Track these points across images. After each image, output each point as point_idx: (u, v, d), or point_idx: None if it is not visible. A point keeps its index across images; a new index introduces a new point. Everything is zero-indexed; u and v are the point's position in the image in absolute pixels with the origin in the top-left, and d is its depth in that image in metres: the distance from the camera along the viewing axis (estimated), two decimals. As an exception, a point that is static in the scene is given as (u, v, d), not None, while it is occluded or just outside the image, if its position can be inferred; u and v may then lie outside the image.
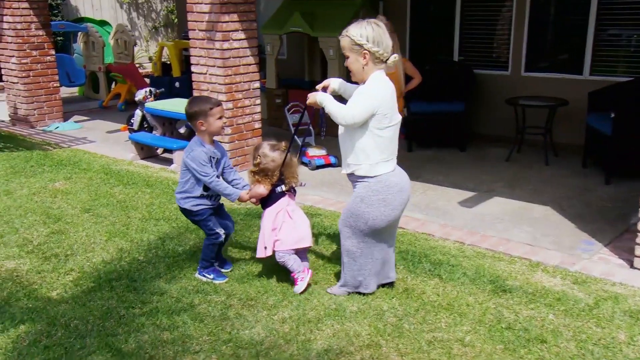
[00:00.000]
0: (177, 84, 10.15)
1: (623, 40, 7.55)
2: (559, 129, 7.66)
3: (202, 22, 6.97)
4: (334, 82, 4.22)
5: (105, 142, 8.89)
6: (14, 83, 9.73)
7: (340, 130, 3.97)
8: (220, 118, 4.22)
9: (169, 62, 11.43)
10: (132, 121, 8.96)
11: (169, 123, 8.19)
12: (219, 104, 4.26)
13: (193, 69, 7.27)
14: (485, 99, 8.45)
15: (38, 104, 9.83)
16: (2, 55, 9.73)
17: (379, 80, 3.80)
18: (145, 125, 8.81)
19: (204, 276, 4.42)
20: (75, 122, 10.20)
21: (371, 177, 3.85)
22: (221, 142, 7.11)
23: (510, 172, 7.04)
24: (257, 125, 7.45)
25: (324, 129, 4.30)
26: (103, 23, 13.63)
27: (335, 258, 4.63)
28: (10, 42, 9.45)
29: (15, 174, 7.00)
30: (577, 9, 7.69)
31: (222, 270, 4.54)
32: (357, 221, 3.94)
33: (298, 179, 4.41)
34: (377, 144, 3.80)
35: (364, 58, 3.75)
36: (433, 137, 8.18)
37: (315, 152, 7.41)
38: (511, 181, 6.70)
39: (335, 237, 5.06)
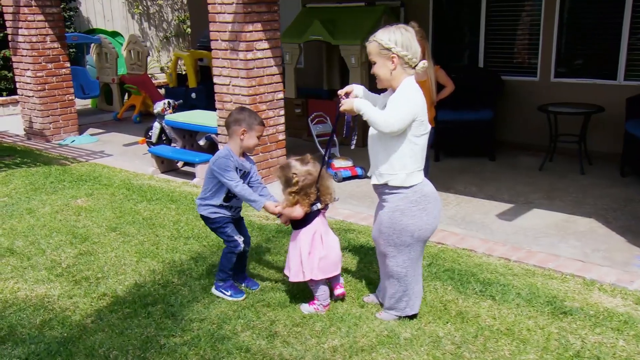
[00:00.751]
0: (193, 95, 9.96)
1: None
2: (593, 137, 7.42)
3: (225, 32, 6.76)
4: (357, 89, 4.02)
5: (123, 155, 8.69)
6: (29, 97, 9.54)
7: (371, 139, 3.78)
8: (258, 137, 4.16)
9: (184, 73, 11.24)
10: (150, 134, 8.77)
11: (189, 135, 8.01)
12: (263, 124, 4.21)
13: (215, 80, 7.06)
14: (513, 106, 8.22)
15: (53, 117, 9.63)
16: (17, 68, 9.55)
17: (413, 86, 3.64)
18: (164, 138, 8.61)
19: (222, 292, 4.26)
20: (91, 135, 10.00)
21: (406, 187, 3.67)
22: (246, 155, 6.95)
23: (546, 182, 6.81)
24: (281, 136, 7.24)
25: (354, 139, 4.08)
26: (115, 34, 13.50)
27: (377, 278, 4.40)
28: (26, 55, 9.27)
29: (35, 191, 6.80)
30: (609, 11, 7.45)
31: (251, 289, 4.36)
32: (401, 236, 3.73)
33: (332, 194, 4.19)
34: (413, 152, 3.64)
35: (392, 62, 3.60)
36: (461, 146, 7.96)
37: (341, 164, 7.18)
38: (548, 192, 6.46)
39: (372, 254, 4.85)
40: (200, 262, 4.83)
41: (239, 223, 4.38)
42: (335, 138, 7.66)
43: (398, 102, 3.58)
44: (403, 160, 3.64)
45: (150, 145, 8.77)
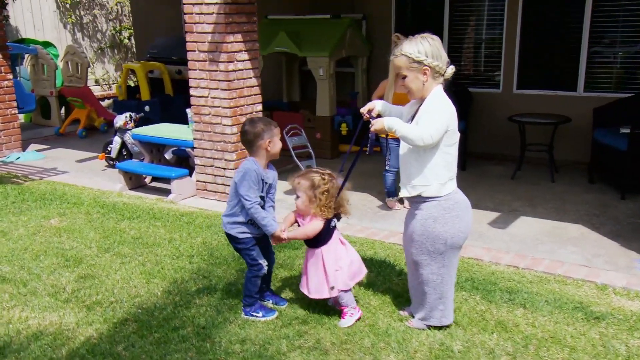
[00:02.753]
0: (147, 108, 9.59)
1: (615, 57, 7.72)
2: (558, 146, 7.72)
3: (204, 42, 6.58)
4: (378, 105, 4.01)
5: (80, 172, 8.26)
6: (-31, 110, 8.93)
7: (403, 151, 3.78)
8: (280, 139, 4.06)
9: (133, 85, 10.85)
10: (108, 148, 8.40)
11: (156, 150, 7.70)
12: (277, 124, 4.05)
13: (192, 92, 6.84)
14: (477, 117, 8.44)
15: (-5, 132, 9.06)
16: (-44, 80, 8.92)
17: (444, 96, 3.66)
18: (124, 153, 8.28)
19: (252, 315, 4.09)
20: (36, 151, 9.45)
21: (440, 196, 3.68)
22: (225, 168, 6.77)
23: (522, 190, 7.01)
24: (260, 150, 7.09)
25: (371, 148, 4.10)
26: (46, 44, 12.82)
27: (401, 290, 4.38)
28: (-33, 66, 8.67)
29: (-1, 212, 6.34)
30: (569, 25, 7.81)
31: (277, 306, 4.24)
32: (434, 244, 3.74)
33: (348, 207, 4.13)
34: (446, 162, 3.66)
35: (425, 74, 3.61)
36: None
37: (321, 177, 7.11)
38: (528, 199, 6.66)
39: (388, 265, 4.84)
40: (215, 281, 4.64)
41: (263, 239, 4.20)
42: (311, 150, 7.61)
43: (431, 115, 3.57)
44: (436, 170, 3.65)
45: (110, 161, 8.41)
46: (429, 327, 3.92)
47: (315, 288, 4.01)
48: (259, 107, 6.99)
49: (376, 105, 4.00)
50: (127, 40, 14.44)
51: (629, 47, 7.60)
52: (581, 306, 4.20)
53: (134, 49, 14.65)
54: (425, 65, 3.58)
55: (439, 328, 3.90)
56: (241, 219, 4.00)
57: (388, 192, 6.54)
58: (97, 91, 13.61)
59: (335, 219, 4.00)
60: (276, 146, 4.01)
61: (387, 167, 6.40)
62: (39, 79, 11.42)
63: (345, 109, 8.51)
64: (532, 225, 5.92)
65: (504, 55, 8.25)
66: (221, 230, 5.64)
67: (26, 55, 11.94)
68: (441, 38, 8.41)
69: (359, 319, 4.00)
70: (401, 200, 6.58)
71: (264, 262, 4.10)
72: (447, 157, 3.66)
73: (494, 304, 4.26)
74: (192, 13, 6.61)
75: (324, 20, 8.68)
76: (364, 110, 3.98)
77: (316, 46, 8.31)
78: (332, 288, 3.95)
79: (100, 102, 12.05)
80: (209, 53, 6.58)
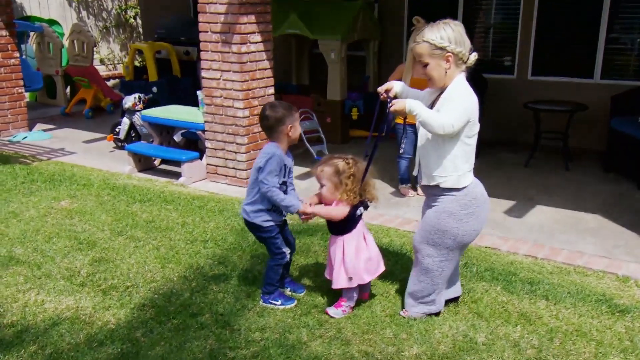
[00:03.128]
0: (154, 89, 9.48)
1: (634, 44, 7.59)
2: (572, 134, 7.63)
3: (217, 23, 6.45)
4: (397, 85, 3.91)
5: (88, 153, 8.17)
6: (-25, 89, 8.82)
7: (422, 139, 3.67)
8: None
9: (140, 66, 10.72)
10: (117, 130, 8.30)
11: (166, 132, 7.61)
12: (297, 109, 3.99)
13: (204, 73, 6.73)
14: (490, 104, 8.33)
15: (2, 111, 8.97)
16: (-38, 58, 8.80)
17: (466, 85, 3.55)
18: (133, 135, 8.18)
19: (271, 303, 4.02)
20: (43, 131, 9.35)
21: (458, 189, 3.58)
22: (236, 152, 6.68)
23: (536, 178, 6.93)
24: (272, 133, 6.99)
25: (404, 141, 4.02)
26: (51, 22, 12.67)
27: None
28: (-27, 44, 8.55)
29: (8, 193, 6.25)
30: (587, 11, 7.67)
31: (295, 294, 4.17)
32: (443, 238, 3.66)
33: (375, 193, 4.04)
34: (466, 153, 3.56)
35: (447, 61, 3.49)
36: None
37: (333, 162, 7.01)
38: (544, 188, 6.58)
39: (394, 254, 4.77)
40: (231, 267, 4.56)
41: (284, 226, 4.15)
42: (322, 135, 7.52)
43: (454, 103, 3.46)
44: (455, 162, 3.54)
45: (118, 142, 8.32)
46: (427, 315, 3.86)
47: (337, 277, 3.93)
48: (271, 90, 6.89)
49: (394, 85, 3.90)
50: (133, 20, 14.29)
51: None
52: (604, 299, 4.13)
53: (140, 29, 14.52)
54: (448, 52, 3.46)
55: (436, 315, 3.87)
56: (264, 206, 3.91)
57: (401, 179, 6.46)
58: (102, 71, 13.46)
59: (361, 207, 3.90)
60: (297, 131, 3.94)
61: (400, 153, 6.30)
62: (44, 57, 11.28)
63: (357, 94, 8.40)
64: (548, 214, 5.85)
65: (519, 41, 8.13)
66: (234, 215, 5.63)
67: (32, 33, 11.79)
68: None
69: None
70: (414, 187, 6.50)
71: (287, 250, 4.04)
72: (467, 149, 3.56)
73: (516, 295, 4.19)
74: (205, -7, 6.49)
75: (336, 3, 8.54)
76: (381, 89, 3.87)
77: (328, 29, 8.18)
78: (351, 279, 3.87)
79: (106, 82, 11.93)
80: (222, 34, 6.46)
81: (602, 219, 5.71)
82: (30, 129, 9.41)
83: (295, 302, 4.05)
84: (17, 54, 9.06)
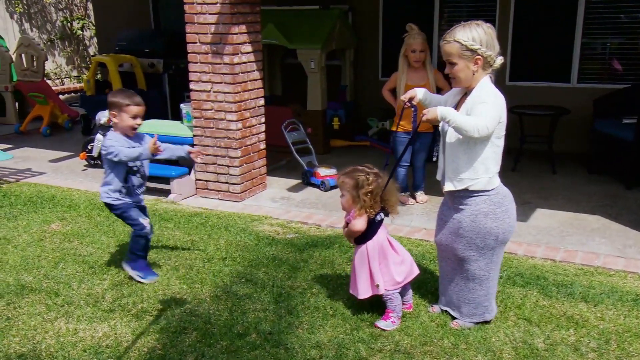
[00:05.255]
0: (119, 103, 9.09)
1: (607, 48, 7.85)
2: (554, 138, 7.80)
3: (207, 34, 6.26)
4: (420, 93, 3.92)
5: (58, 172, 7.76)
6: None
7: (450, 143, 3.65)
8: (134, 118, 4.22)
9: (101, 80, 10.30)
10: (88, 147, 7.93)
11: (146, 147, 7.29)
12: (139, 104, 4.25)
13: (192, 86, 6.50)
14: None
15: (-42, 131, 8.39)
16: None
17: (493, 87, 3.56)
18: (107, 151, 7.81)
19: (134, 272, 4.44)
20: (2, 151, 8.83)
21: (488, 189, 3.59)
22: (229, 165, 6.47)
23: (526, 182, 7.03)
24: (262, 145, 6.84)
25: (437, 149, 3.95)
26: (-6, 36, 12.05)
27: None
28: None
29: (-10, 217, 5.86)
30: (562, 16, 7.88)
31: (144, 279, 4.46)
32: (485, 240, 3.65)
33: (396, 207, 4.00)
34: (495, 154, 3.57)
35: (476, 64, 3.48)
36: (432, 150, 8.01)
37: (326, 172, 6.91)
38: (536, 192, 6.68)
39: (418, 264, 4.71)
40: (260, 284, 4.40)
41: (142, 211, 4.51)
42: (310, 145, 7.40)
43: (486, 106, 3.44)
44: (486, 164, 3.55)
45: (91, 160, 7.94)
46: (476, 324, 3.84)
47: (363, 287, 3.86)
48: (262, 101, 6.74)
49: (417, 93, 3.89)
50: (80, 32, 13.75)
51: (622, 38, 7.73)
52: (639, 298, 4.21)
53: (86, 41, 14.00)
54: (478, 55, 3.45)
55: (487, 322, 3.84)
56: (115, 186, 4.29)
57: (400, 188, 6.42)
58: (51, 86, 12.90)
59: (381, 213, 3.85)
60: (124, 122, 4.21)
61: (398, 161, 6.26)
62: (-9, 73, 10.69)
63: (337, 103, 8.33)
64: (550, 217, 5.93)
65: (495, 47, 8.25)
66: (241, 231, 5.47)
67: (-24, 48, 11.15)
68: (431, 30, 8.44)
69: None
70: (413, 195, 6.49)
71: (145, 221, 4.40)
72: (497, 150, 3.56)
73: (555, 299, 4.20)
74: (193, 3, 6.27)
75: (313, 12, 8.47)
76: (404, 98, 3.87)
77: (307, 38, 8.09)
78: (378, 286, 3.81)
79: (60, 96, 11.42)
80: (212, 45, 6.26)
81: (604, 219, 5.84)
82: (-15, 149, 8.88)
83: (157, 277, 4.46)
84: (-28, 70, 8.53)
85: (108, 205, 4.37)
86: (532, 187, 6.83)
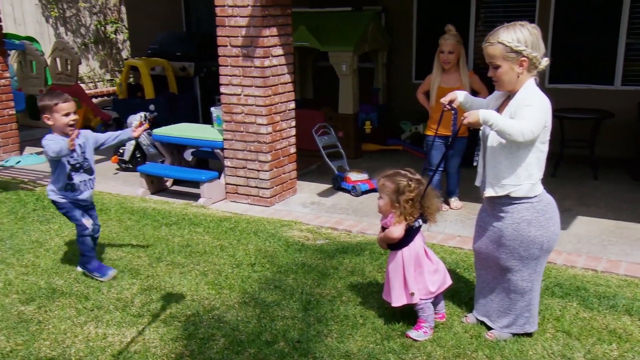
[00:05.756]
0: (151, 107, 9.12)
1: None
2: (597, 142, 7.52)
3: (238, 37, 6.18)
4: (460, 95, 3.78)
5: (90, 175, 7.75)
6: (-36, 111, 8.33)
7: (492, 148, 3.48)
8: (67, 115, 4.31)
9: (134, 83, 10.33)
10: (120, 151, 7.92)
11: (177, 151, 7.28)
12: (67, 100, 4.34)
13: (223, 89, 6.43)
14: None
15: (-8, 135, 8.48)
16: (-50, 79, 8.31)
17: (538, 90, 3.40)
18: (138, 156, 7.82)
19: (92, 273, 4.51)
20: (36, 154, 8.89)
21: (531, 197, 3.41)
22: (259, 170, 6.37)
23: (567, 188, 6.78)
24: (293, 149, 6.74)
25: (477, 154, 3.81)
26: (29, 40, 12.18)
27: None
28: (-37, 64, 8.08)
29: (24, 221, 5.88)
30: (606, 16, 7.61)
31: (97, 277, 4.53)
32: (529, 249, 3.49)
33: (434, 214, 3.83)
34: (539, 160, 3.41)
35: (521, 66, 3.33)
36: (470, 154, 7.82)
37: (357, 177, 6.78)
38: (577, 198, 6.45)
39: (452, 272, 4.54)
40: (289, 291, 4.30)
41: (90, 212, 4.62)
42: (342, 150, 7.27)
43: (531, 109, 3.29)
44: (529, 170, 3.39)
45: (123, 164, 7.94)
46: (514, 335, 3.69)
47: (397, 295, 3.74)
48: (292, 104, 6.64)
49: (458, 96, 3.76)
50: (114, 35, 13.85)
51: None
52: (689, 312, 3.98)
53: (119, 45, 14.10)
54: (524, 57, 3.31)
55: (528, 335, 3.68)
56: (59, 185, 4.42)
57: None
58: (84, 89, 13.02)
59: (419, 220, 3.71)
60: (58, 121, 4.32)
61: (430, 167, 6.08)
62: (26, 76, 10.80)
63: (369, 106, 8.19)
64: (592, 225, 5.70)
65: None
66: (270, 237, 5.37)
67: (12, 52, 11.28)
68: (467, 30, 8.25)
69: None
70: (447, 202, 6.31)
71: (87, 222, 4.49)
72: (541, 155, 3.41)
73: (596, 311, 4.01)
74: (224, 6, 6.20)
75: (345, 13, 8.34)
76: (444, 101, 3.76)
77: (339, 40, 7.97)
78: (412, 294, 3.68)
79: (94, 99, 11.50)
80: (243, 48, 6.18)
81: (649, 228, 5.60)
82: (21, 153, 8.95)
83: (115, 271, 4.55)
84: (7, 74, 8.63)
85: (54, 202, 4.51)
86: (573, 194, 6.59)
